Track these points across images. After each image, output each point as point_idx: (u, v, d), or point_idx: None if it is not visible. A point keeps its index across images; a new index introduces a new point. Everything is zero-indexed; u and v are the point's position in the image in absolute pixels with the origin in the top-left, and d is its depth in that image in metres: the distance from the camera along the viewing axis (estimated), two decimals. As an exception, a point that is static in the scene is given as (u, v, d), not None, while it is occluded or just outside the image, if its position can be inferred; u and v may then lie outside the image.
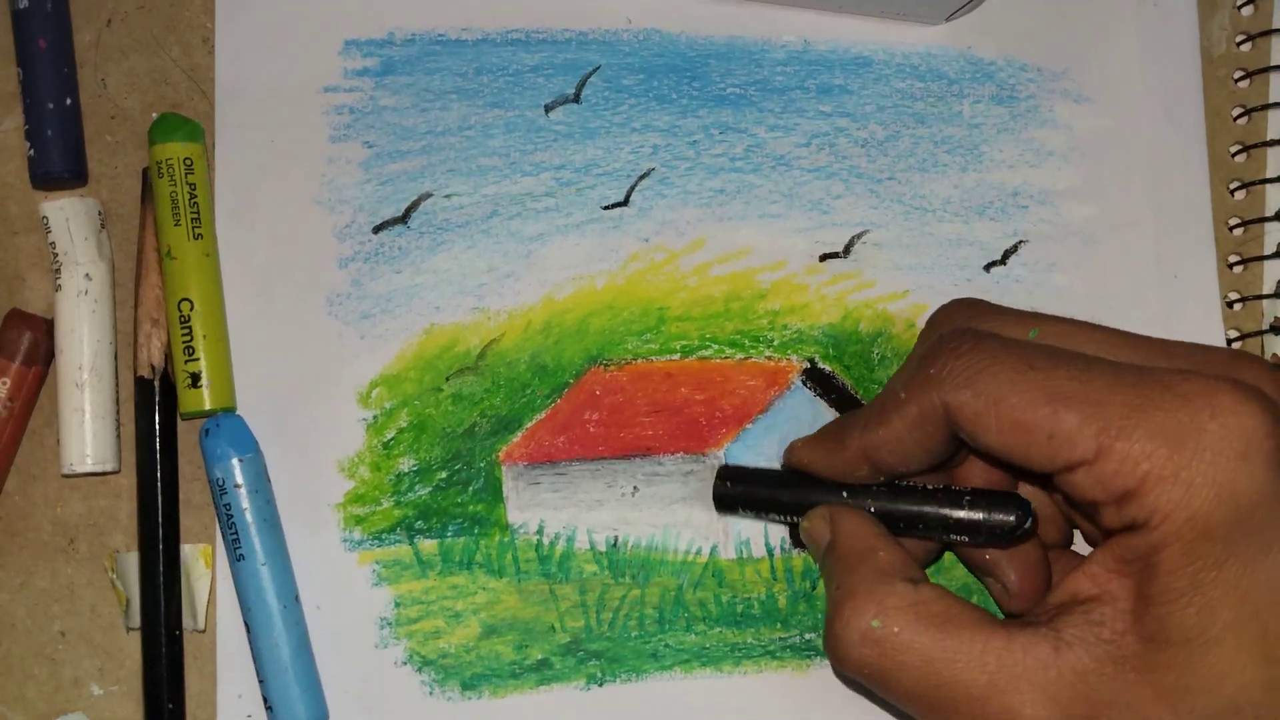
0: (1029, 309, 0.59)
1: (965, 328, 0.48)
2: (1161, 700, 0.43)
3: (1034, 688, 0.44)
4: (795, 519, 0.54)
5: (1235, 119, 0.63)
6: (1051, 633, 0.45)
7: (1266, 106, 0.62)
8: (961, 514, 0.50)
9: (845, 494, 0.52)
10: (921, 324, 0.59)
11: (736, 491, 0.56)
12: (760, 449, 0.58)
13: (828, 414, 0.58)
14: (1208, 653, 0.42)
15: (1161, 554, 0.42)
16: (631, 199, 0.58)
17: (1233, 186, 0.63)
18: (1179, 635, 0.42)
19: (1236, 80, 0.63)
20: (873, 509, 0.52)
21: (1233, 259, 0.62)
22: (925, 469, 0.51)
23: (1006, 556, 0.52)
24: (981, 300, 0.53)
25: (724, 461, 0.57)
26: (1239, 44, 0.63)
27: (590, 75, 0.59)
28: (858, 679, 0.48)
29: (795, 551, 0.58)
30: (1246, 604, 0.42)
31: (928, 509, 0.51)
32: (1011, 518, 0.49)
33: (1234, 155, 0.63)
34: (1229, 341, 0.61)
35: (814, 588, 0.57)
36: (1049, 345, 0.46)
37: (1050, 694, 0.44)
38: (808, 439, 0.54)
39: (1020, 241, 0.61)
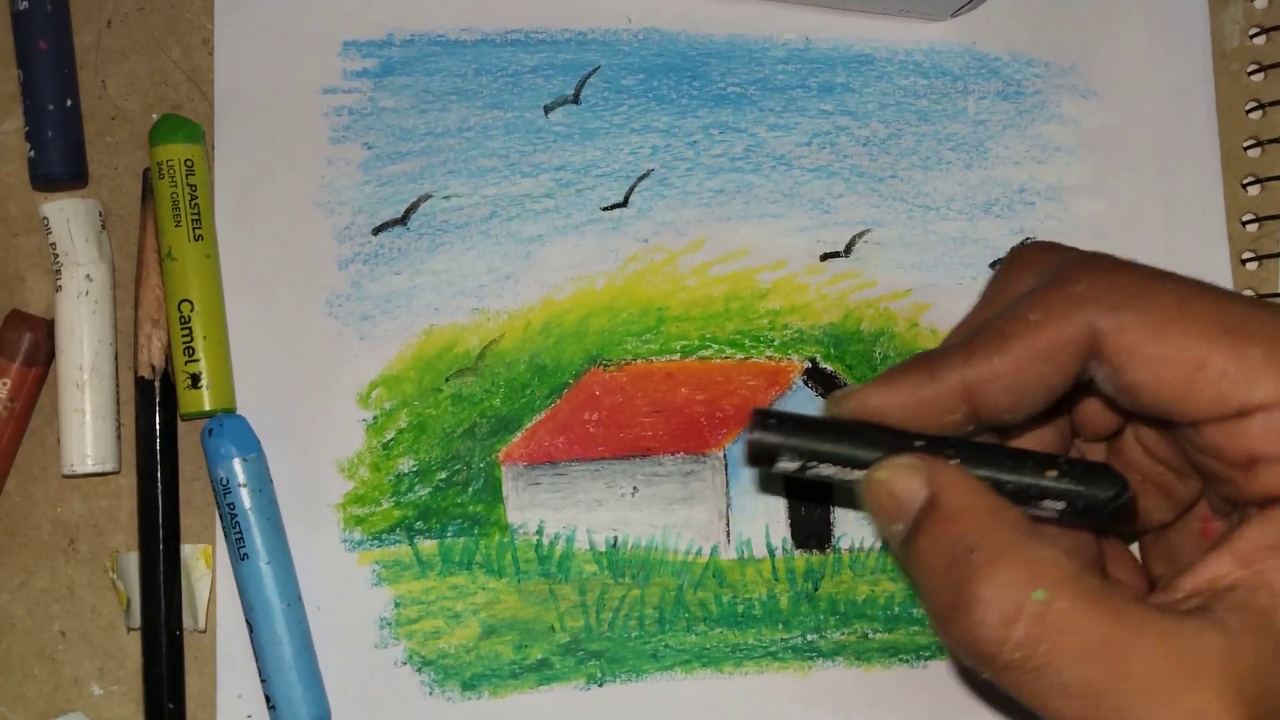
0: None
1: (1102, 253, 0.42)
2: None
3: (1218, 682, 0.36)
4: (851, 479, 0.42)
5: (1248, 113, 0.62)
6: (1216, 621, 0.37)
7: (1280, 101, 0.62)
8: (1052, 483, 0.41)
9: (919, 445, 0.42)
10: (924, 323, 0.59)
11: (781, 435, 0.42)
12: (761, 449, 0.57)
13: (829, 414, 0.58)
14: None
15: None
16: (631, 200, 0.58)
17: (1246, 182, 0.62)
18: None
19: (1250, 74, 0.63)
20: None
21: (1246, 255, 0.61)
22: (1033, 416, 0.42)
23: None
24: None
25: (724, 458, 0.57)
26: (1252, 37, 0.63)
27: (590, 76, 0.59)
28: (991, 671, 0.38)
29: (797, 552, 0.57)
30: None
31: (1016, 476, 0.41)
32: (1110, 493, 0.41)
33: (1247, 150, 0.62)
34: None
35: (815, 588, 0.57)
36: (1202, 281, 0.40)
37: (1237, 689, 0.36)
38: (878, 379, 0.42)
39: (1027, 239, 0.60)
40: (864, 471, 0.42)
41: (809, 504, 0.58)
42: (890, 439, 0.42)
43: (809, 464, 0.42)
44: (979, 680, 0.57)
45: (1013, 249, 0.46)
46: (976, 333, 0.41)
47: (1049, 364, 0.40)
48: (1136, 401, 0.39)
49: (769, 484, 0.57)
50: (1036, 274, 0.42)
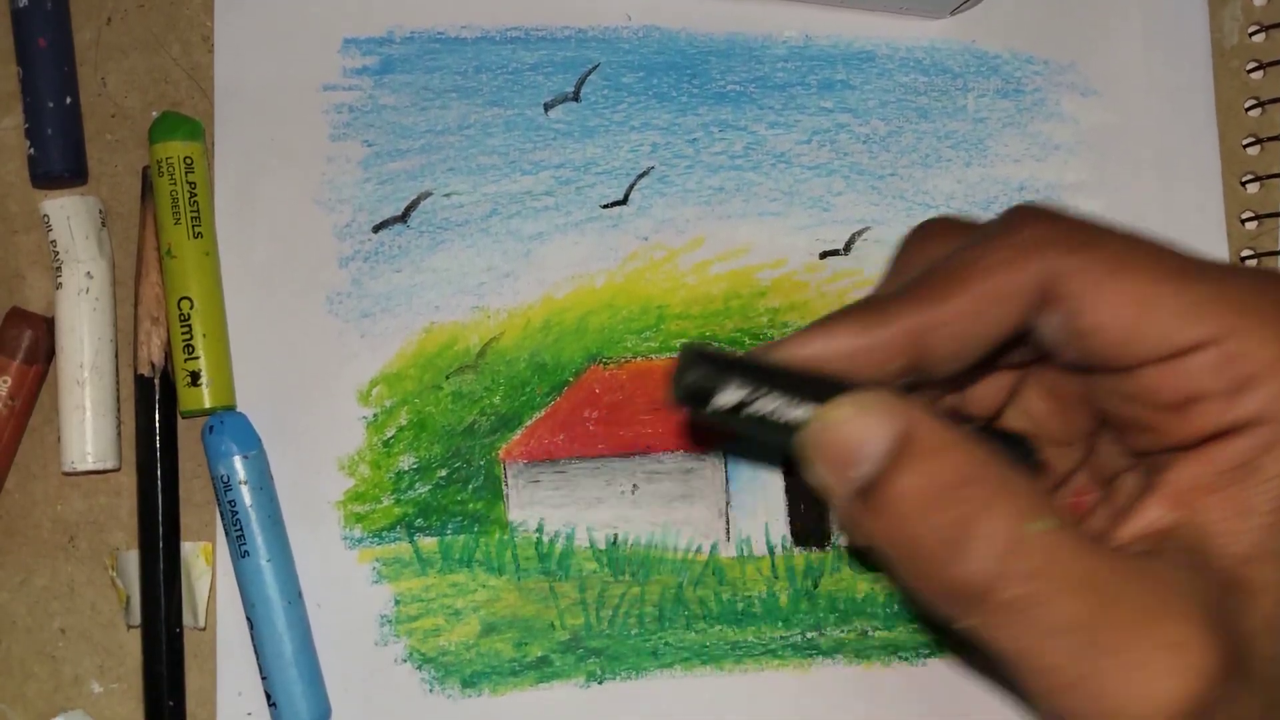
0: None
1: (1041, 204, 0.41)
2: None
3: (1192, 614, 0.35)
4: (792, 418, 0.37)
5: (1248, 111, 0.62)
6: (1169, 561, 0.37)
7: None
8: None
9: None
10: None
11: (718, 367, 0.36)
12: (761, 447, 0.57)
13: (829, 412, 0.58)
14: None
15: (1269, 455, 0.37)
16: (631, 197, 0.58)
17: (1245, 180, 0.62)
18: None
19: (1249, 71, 0.63)
20: None
21: (1246, 253, 0.61)
22: (971, 366, 0.40)
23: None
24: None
25: (723, 457, 0.57)
26: (1251, 35, 0.63)
27: (590, 73, 0.59)
28: (981, 614, 0.35)
29: (797, 550, 0.57)
30: None
31: None
32: (1028, 463, 0.42)
33: (1246, 148, 0.62)
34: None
35: (815, 586, 0.57)
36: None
37: (1209, 621, 0.35)
38: (813, 326, 0.39)
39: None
40: (807, 413, 0.37)
41: (809, 501, 0.58)
42: (830, 383, 0.37)
43: (749, 400, 0.36)
44: (978, 678, 0.57)
45: (919, 224, 0.44)
46: (923, 278, 0.39)
47: (1003, 307, 0.38)
48: (1085, 347, 0.38)
49: (767, 481, 0.57)
50: (949, 244, 0.40)
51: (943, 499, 0.35)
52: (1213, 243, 0.61)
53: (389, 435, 0.56)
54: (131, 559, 0.54)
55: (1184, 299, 0.37)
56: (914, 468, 0.36)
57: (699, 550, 0.57)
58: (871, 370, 0.38)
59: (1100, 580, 0.35)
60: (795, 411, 0.36)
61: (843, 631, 0.57)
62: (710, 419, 0.36)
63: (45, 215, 0.54)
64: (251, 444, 0.53)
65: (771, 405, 0.36)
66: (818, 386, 0.37)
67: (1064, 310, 0.38)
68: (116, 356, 0.55)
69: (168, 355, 0.54)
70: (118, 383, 0.55)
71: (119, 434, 0.55)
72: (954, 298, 0.38)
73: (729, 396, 0.36)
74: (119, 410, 0.55)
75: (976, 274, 0.38)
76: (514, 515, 0.56)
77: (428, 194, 0.57)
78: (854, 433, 0.36)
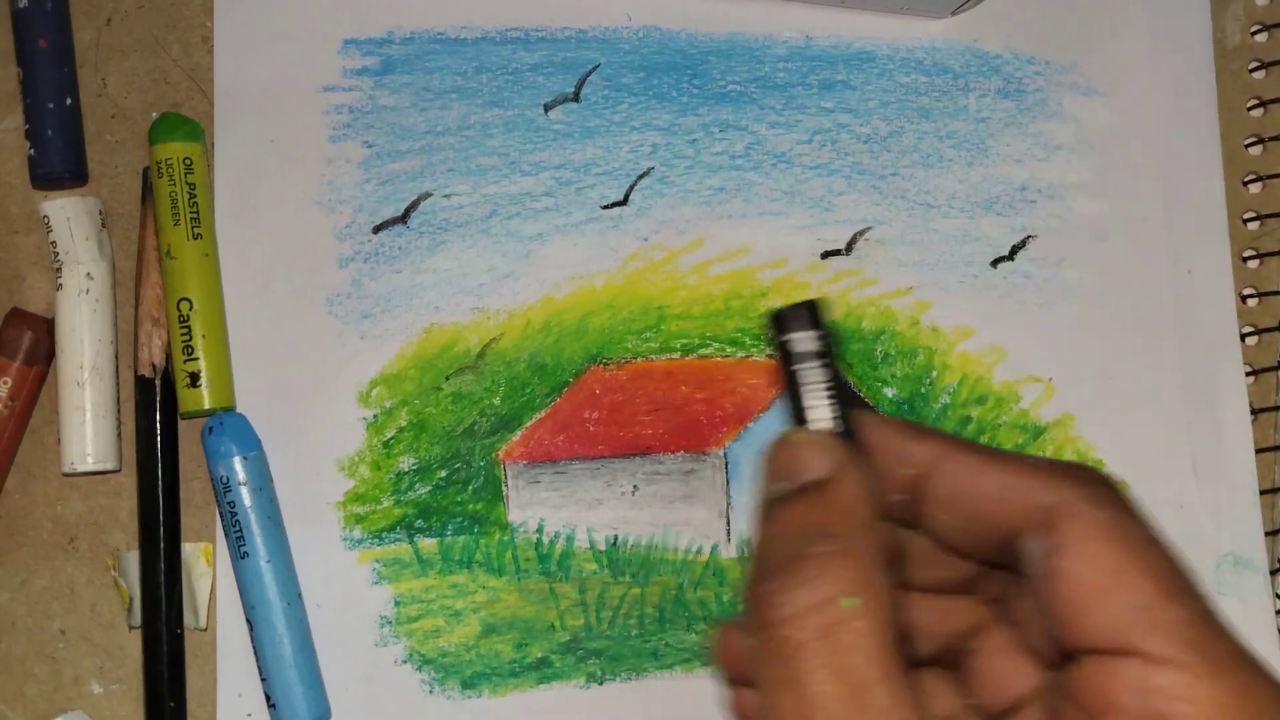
0: (1038, 305, 0.59)
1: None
2: None
3: None
4: (812, 405, 0.39)
5: (1250, 110, 0.62)
6: None
7: (1281, 99, 0.62)
8: None
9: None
10: (925, 321, 0.59)
11: (816, 322, 0.40)
12: (762, 447, 0.57)
13: (830, 412, 0.58)
14: None
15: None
16: (631, 198, 0.58)
17: (1247, 179, 0.62)
18: None
19: (1251, 71, 0.62)
20: None
21: (1248, 254, 0.61)
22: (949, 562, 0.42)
23: None
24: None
25: (724, 457, 0.57)
26: (1253, 34, 0.62)
27: (590, 74, 0.59)
28: (760, 636, 0.35)
29: (797, 551, 0.57)
30: None
31: None
32: None
33: (1248, 147, 0.62)
34: (1243, 338, 0.60)
35: (816, 587, 0.57)
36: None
37: None
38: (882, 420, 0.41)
39: (1028, 237, 0.60)
40: (814, 413, 0.39)
41: (809, 502, 0.57)
42: (853, 408, 0.39)
43: (821, 357, 0.39)
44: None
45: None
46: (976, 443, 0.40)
47: (1017, 515, 0.38)
48: (1050, 588, 0.38)
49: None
50: None
51: (807, 536, 0.36)
52: (1214, 242, 0.61)
53: (389, 436, 0.56)
54: (132, 560, 0.54)
55: (1166, 616, 0.36)
56: (809, 502, 0.37)
57: (699, 551, 0.57)
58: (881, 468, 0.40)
59: (863, 695, 0.34)
60: (811, 402, 0.39)
61: (843, 632, 0.57)
62: (776, 352, 0.39)
63: (45, 216, 0.54)
64: (251, 445, 0.53)
65: (817, 378, 0.39)
66: (846, 402, 0.39)
67: (1050, 543, 0.37)
68: (117, 357, 0.55)
69: (168, 356, 0.54)
70: (118, 384, 0.55)
71: (119, 435, 0.55)
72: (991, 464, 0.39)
73: (805, 342, 0.39)
74: (119, 411, 0.55)
75: (1015, 461, 0.39)
76: (514, 516, 0.56)
77: (428, 195, 0.57)
78: (798, 456, 0.38)
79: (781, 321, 0.39)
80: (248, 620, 0.53)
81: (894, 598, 0.35)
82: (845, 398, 0.39)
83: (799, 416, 0.39)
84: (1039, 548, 0.37)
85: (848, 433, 0.39)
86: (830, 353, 0.39)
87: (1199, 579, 0.36)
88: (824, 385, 0.39)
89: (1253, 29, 0.63)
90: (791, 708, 0.34)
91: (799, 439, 0.39)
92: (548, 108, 0.58)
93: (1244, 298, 0.61)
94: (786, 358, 0.39)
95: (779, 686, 0.35)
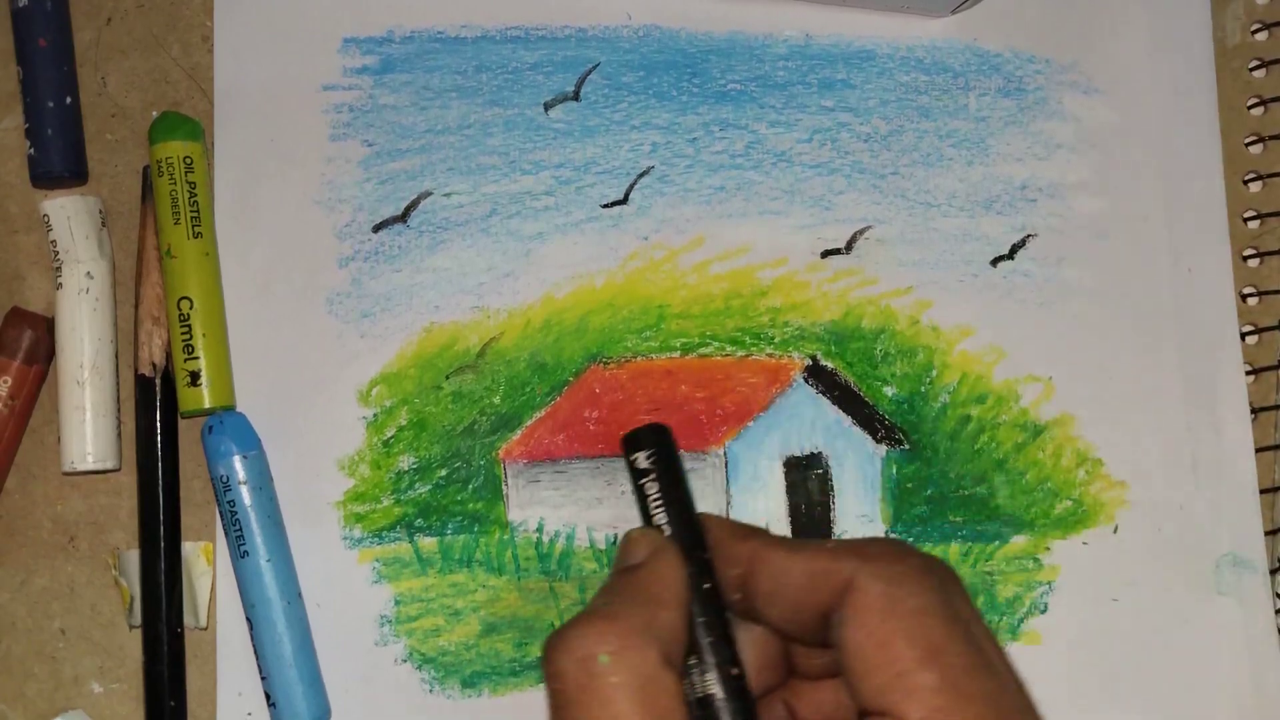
0: (1038, 304, 0.59)
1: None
2: None
3: None
4: (649, 511, 0.47)
5: (1250, 109, 0.62)
6: None
7: (1282, 98, 0.62)
8: (703, 682, 0.44)
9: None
10: (925, 320, 0.59)
11: (654, 444, 0.48)
12: (762, 446, 0.57)
13: (830, 411, 0.58)
14: None
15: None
16: (631, 197, 0.58)
17: (1248, 178, 0.62)
18: None
19: (1251, 70, 0.62)
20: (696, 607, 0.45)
21: (1248, 253, 0.61)
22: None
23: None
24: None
25: (724, 456, 0.57)
26: (1254, 33, 0.62)
27: (590, 73, 0.59)
28: (544, 678, 0.42)
29: (797, 550, 0.57)
30: None
31: (699, 651, 0.44)
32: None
33: (1249, 146, 0.62)
34: (1243, 337, 0.60)
35: (816, 586, 0.57)
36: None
37: None
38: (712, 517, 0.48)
39: (1029, 235, 0.60)
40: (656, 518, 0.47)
41: (809, 502, 0.58)
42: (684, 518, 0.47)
43: (654, 473, 0.47)
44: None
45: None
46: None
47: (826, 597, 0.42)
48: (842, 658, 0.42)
49: (768, 481, 0.57)
50: None
51: (604, 600, 0.42)
52: (1215, 241, 0.61)
53: (389, 435, 0.56)
54: (132, 559, 0.54)
55: (918, 682, 0.39)
56: (622, 577, 0.44)
57: (699, 550, 0.57)
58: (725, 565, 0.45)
59: None
60: (649, 508, 0.47)
61: (843, 632, 0.57)
62: (627, 468, 0.48)
63: (45, 215, 0.54)
64: (251, 444, 0.53)
65: (650, 490, 0.47)
66: (685, 509, 0.47)
67: (838, 617, 0.41)
68: (117, 357, 0.55)
69: (168, 355, 0.54)
70: (118, 383, 0.55)
71: (119, 434, 0.55)
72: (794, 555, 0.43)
73: (642, 461, 0.47)
74: (119, 410, 0.55)
75: (817, 548, 0.43)
76: (514, 515, 0.56)
77: (428, 194, 0.57)
78: (627, 546, 0.45)
79: (627, 444, 0.48)
80: (248, 619, 0.53)
81: (669, 661, 0.40)
82: (685, 506, 0.47)
83: (644, 518, 0.47)
84: (835, 623, 0.41)
85: (690, 533, 0.46)
86: (667, 469, 0.47)
87: (977, 639, 0.39)
88: (657, 495, 0.46)
89: (1253, 28, 0.63)
90: None
91: (631, 534, 0.46)
92: (548, 107, 0.58)
93: (1244, 296, 0.61)
94: (631, 473, 0.47)
95: None
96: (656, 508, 0.47)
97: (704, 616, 0.44)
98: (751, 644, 0.46)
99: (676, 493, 0.47)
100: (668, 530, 0.46)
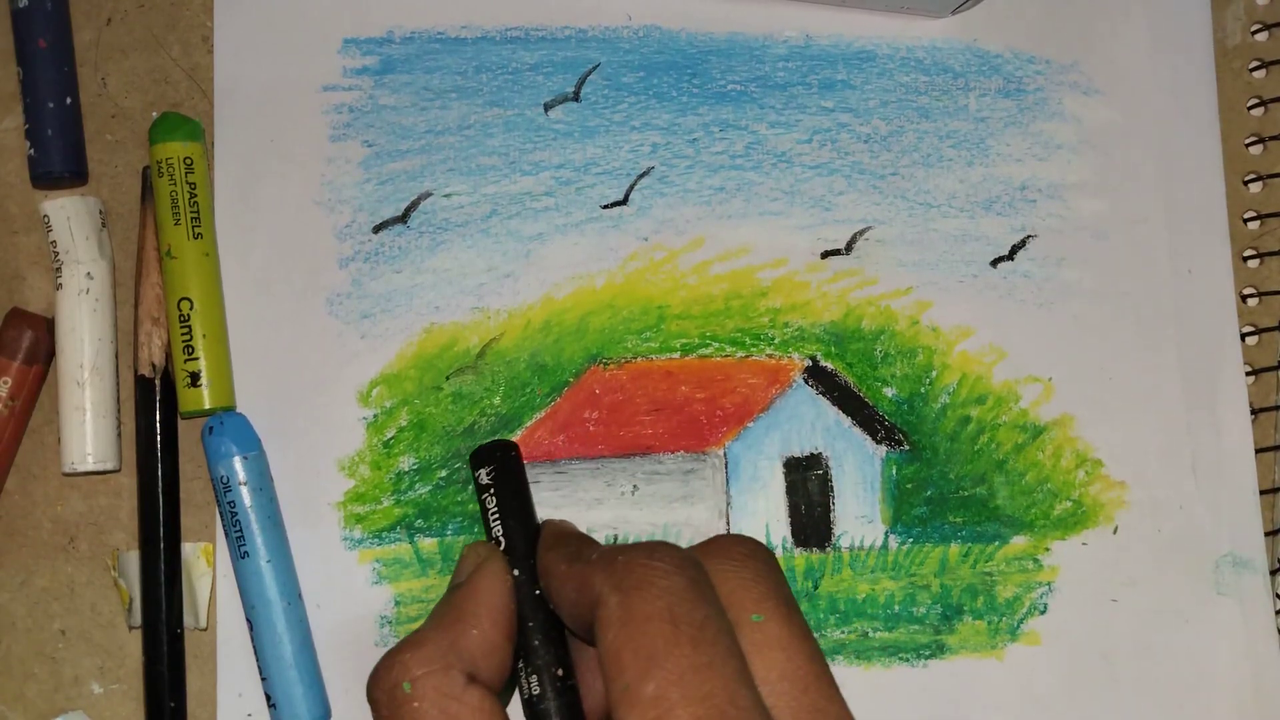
0: (1038, 304, 0.59)
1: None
2: None
3: None
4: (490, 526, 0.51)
5: (1250, 109, 0.62)
6: None
7: (1281, 98, 0.62)
8: (530, 684, 0.47)
9: (518, 573, 0.48)
10: (925, 321, 0.59)
11: (494, 460, 0.51)
12: (761, 447, 0.57)
13: (830, 412, 0.58)
14: None
15: None
16: (631, 198, 0.58)
17: (1248, 179, 0.62)
18: None
19: (1251, 71, 0.62)
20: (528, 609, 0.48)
21: (1248, 253, 0.61)
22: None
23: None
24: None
25: (724, 456, 0.57)
26: (1254, 33, 0.62)
27: (590, 73, 0.59)
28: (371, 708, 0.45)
29: (797, 551, 0.57)
30: None
31: (529, 653, 0.47)
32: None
33: (1249, 147, 0.62)
34: (1243, 338, 0.60)
35: (815, 587, 0.57)
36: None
37: None
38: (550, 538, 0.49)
39: (1028, 236, 0.60)
40: (495, 531, 0.50)
41: (809, 503, 0.58)
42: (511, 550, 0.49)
43: (488, 493, 0.51)
44: (978, 681, 0.57)
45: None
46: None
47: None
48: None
49: (767, 482, 0.57)
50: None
51: (428, 626, 0.46)
52: (1215, 242, 0.61)
53: (389, 436, 0.56)
54: (132, 560, 0.54)
55: (638, 694, 0.39)
56: (448, 597, 0.47)
57: (699, 551, 0.57)
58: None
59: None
60: (487, 521, 0.50)
61: (843, 633, 0.57)
62: (475, 483, 0.51)
63: (45, 216, 0.54)
64: (251, 445, 0.53)
65: (489, 505, 0.50)
66: (526, 520, 0.50)
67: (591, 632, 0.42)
68: (117, 357, 0.55)
69: (168, 356, 0.54)
70: (118, 383, 0.55)
71: (119, 435, 0.55)
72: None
73: (483, 477, 0.51)
74: (119, 411, 0.55)
75: (587, 561, 0.44)
76: (514, 516, 0.56)
77: (428, 194, 0.57)
78: (459, 563, 0.50)
79: (472, 461, 0.51)
80: (248, 620, 0.53)
81: (476, 678, 0.44)
82: (523, 517, 0.50)
83: (486, 532, 0.50)
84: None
85: (525, 543, 0.49)
86: (507, 483, 0.50)
87: (710, 636, 0.39)
88: (495, 509, 0.50)
89: (1253, 28, 0.63)
90: None
91: (465, 550, 0.50)
92: (548, 107, 0.58)
93: (1244, 297, 0.61)
94: (476, 488, 0.51)
95: None
96: (494, 520, 0.50)
97: (531, 621, 0.47)
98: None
99: (514, 504, 0.50)
100: (502, 543, 0.49)
